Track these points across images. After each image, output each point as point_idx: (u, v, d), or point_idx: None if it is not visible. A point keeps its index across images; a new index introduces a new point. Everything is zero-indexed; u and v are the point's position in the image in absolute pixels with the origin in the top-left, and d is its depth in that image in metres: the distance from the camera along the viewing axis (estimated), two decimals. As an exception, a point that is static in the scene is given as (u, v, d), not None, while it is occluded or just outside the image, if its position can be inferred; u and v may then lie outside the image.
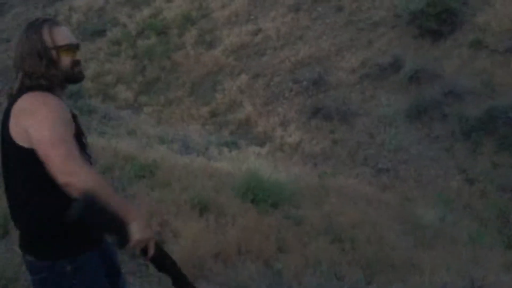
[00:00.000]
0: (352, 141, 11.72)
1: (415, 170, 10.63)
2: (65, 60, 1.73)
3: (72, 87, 11.06)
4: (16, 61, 1.70)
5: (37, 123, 1.53)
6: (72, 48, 1.76)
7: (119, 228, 1.54)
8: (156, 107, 14.31)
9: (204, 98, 14.46)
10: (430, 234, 6.45)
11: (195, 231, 3.91)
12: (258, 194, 5.53)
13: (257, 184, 5.74)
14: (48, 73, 1.67)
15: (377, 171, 10.73)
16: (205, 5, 17.49)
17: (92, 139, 7.15)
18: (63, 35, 1.75)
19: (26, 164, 1.60)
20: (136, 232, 1.54)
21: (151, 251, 1.60)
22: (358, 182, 9.76)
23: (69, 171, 1.49)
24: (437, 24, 12.95)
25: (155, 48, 16.32)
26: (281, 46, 15.01)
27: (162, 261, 1.70)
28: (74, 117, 1.70)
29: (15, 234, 1.64)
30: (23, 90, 1.64)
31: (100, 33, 17.38)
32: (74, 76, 1.76)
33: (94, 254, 1.71)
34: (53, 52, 1.70)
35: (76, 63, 1.76)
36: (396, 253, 5.12)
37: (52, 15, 17.29)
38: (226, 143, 11.49)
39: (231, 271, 3.65)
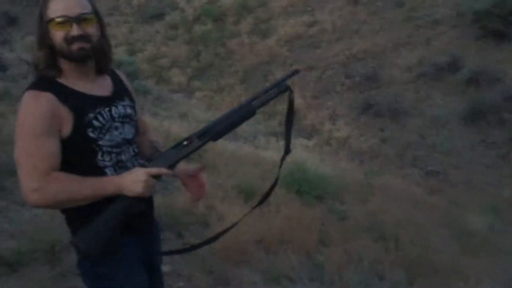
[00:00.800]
0: (402, 140, 11.47)
1: (466, 175, 10.28)
2: (56, 36, 1.49)
3: (127, 68, 11.35)
4: None
5: (15, 134, 1.48)
6: (67, 21, 1.48)
7: (123, 208, 1.49)
8: (208, 93, 14.53)
9: (255, 87, 14.52)
10: (477, 242, 6.24)
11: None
12: (303, 186, 5.54)
13: (302, 175, 5.74)
14: (49, 53, 1.50)
15: (426, 173, 10.46)
16: (263, -6, 17.51)
17: (145, 119, 7.37)
18: (56, 5, 1.49)
19: None
20: (131, 192, 1.48)
21: (165, 172, 1.53)
22: (405, 182, 9.55)
23: (27, 189, 1.43)
24: (502, 25, 12.39)
25: (211, 34, 16.53)
26: (336, 39, 14.83)
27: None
28: (83, 107, 1.51)
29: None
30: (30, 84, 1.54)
31: (159, 16, 17.77)
32: (70, 54, 1.50)
33: (128, 242, 1.58)
34: (49, 27, 1.49)
35: (72, 39, 1.48)
36: (440, 257, 5.00)
37: (114, -4, 17.81)
38: (273, 132, 11.52)
39: (272, 259, 3.69)
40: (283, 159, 1.77)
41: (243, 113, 1.62)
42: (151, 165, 1.54)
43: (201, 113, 11.54)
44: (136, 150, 1.65)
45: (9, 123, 4.15)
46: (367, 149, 11.37)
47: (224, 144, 7.43)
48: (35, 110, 1.45)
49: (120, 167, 1.56)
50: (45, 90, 1.48)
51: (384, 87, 12.86)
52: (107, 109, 1.56)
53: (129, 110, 1.63)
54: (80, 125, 1.49)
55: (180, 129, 7.07)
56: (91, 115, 1.51)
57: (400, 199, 7.41)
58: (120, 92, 1.66)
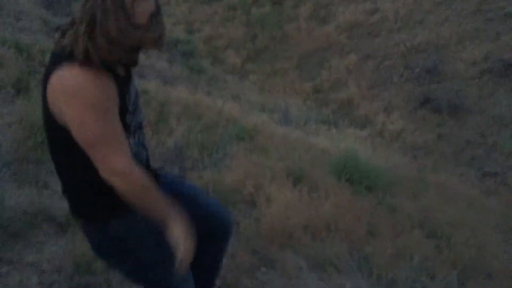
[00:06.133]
0: (460, 138, 10.95)
1: (526, 179, 9.71)
2: (141, 11, 1.27)
3: (185, 47, 11.49)
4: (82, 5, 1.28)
5: (76, 115, 1.26)
6: None
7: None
8: (261, 76, 14.44)
9: (309, 73, 14.31)
10: (536, 250, 5.87)
11: (288, 200, 3.89)
12: (354, 175, 5.38)
13: (354, 164, 5.58)
14: (119, 37, 1.24)
15: (483, 174, 9.95)
16: (325, -21, 17.12)
17: (199, 97, 7.39)
18: None
19: (60, 134, 1.38)
20: (176, 239, 1.42)
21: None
22: (460, 182, 9.14)
23: (113, 170, 1.29)
24: None
25: (269, 17, 16.38)
26: (398, 29, 14.32)
27: None
28: (123, 90, 1.37)
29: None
30: (66, 55, 1.27)
31: (219, -3, 17.79)
32: (146, 40, 1.31)
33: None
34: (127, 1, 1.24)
35: (151, 17, 1.29)
36: (495, 261, 4.73)
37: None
38: (325, 121, 11.31)
39: (319, 246, 3.59)
40: None
41: None
42: None
43: (253, 95, 11.49)
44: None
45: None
46: (422, 144, 10.95)
47: (276, 128, 7.36)
48: (103, 86, 1.28)
49: (137, 152, 1.46)
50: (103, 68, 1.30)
51: (445, 81, 12.30)
52: (131, 88, 1.42)
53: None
54: (122, 109, 1.36)
55: (232, 109, 7.04)
56: (127, 97, 1.39)
57: (455, 198, 7.09)
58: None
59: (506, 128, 10.72)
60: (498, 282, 4.40)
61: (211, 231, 1.71)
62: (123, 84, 1.37)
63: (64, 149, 1.39)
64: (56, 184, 3.04)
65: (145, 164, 1.54)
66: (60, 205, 2.73)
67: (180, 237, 1.41)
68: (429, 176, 8.08)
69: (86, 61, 1.25)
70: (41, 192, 2.82)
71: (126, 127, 1.38)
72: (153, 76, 8.15)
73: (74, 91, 1.24)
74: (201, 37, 15.87)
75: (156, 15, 1.29)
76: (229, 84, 12.02)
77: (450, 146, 10.81)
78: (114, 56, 1.27)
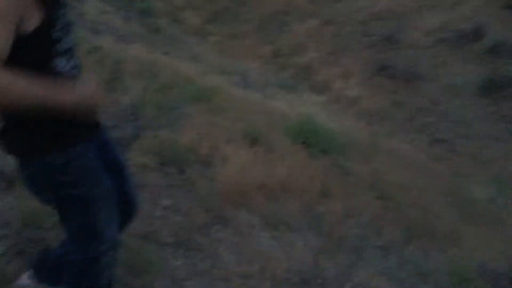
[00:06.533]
0: (413, 105, 11.29)
1: (473, 146, 10.18)
2: None
3: (140, 4, 11.10)
4: None
5: None
6: None
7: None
8: (221, 38, 14.22)
9: (269, 37, 14.21)
10: (477, 212, 6.23)
11: (243, 160, 3.92)
12: (309, 138, 5.47)
13: (310, 128, 5.67)
14: None
15: (433, 141, 10.35)
16: None
17: (156, 56, 7.23)
18: None
19: None
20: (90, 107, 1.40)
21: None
22: (411, 147, 9.47)
23: None
24: (532, -4, 11.93)
25: (229, -23, 16.01)
26: (359, -5, 14.37)
27: None
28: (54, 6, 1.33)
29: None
30: None
31: (177, -46, 17.14)
32: None
33: (88, 146, 1.50)
34: None
35: None
36: (439, 222, 5.00)
37: None
38: (284, 85, 11.35)
39: (272, 206, 3.67)
40: None
41: None
42: None
43: (212, 57, 11.34)
44: None
45: None
46: (377, 110, 11.22)
47: (234, 90, 7.33)
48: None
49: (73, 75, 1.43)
50: None
51: (402, 49, 12.53)
52: (62, 12, 1.38)
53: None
54: (49, 21, 1.29)
55: (190, 70, 6.94)
56: (58, 12, 1.34)
57: (405, 163, 7.36)
58: None
59: (457, 96, 11.12)
60: (441, 240, 4.65)
61: (123, 207, 1.69)
62: (51, 5, 1.32)
63: None
64: (3, 140, 2.94)
65: None
66: (7, 161, 2.65)
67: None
68: (381, 141, 8.32)
69: None
70: (-13, 148, 2.72)
71: (53, 42, 1.34)
72: (107, 33, 7.87)
73: None
74: (159, -5, 15.36)
75: None
76: (187, 45, 11.79)
77: (403, 113, 11.13)
78: None
